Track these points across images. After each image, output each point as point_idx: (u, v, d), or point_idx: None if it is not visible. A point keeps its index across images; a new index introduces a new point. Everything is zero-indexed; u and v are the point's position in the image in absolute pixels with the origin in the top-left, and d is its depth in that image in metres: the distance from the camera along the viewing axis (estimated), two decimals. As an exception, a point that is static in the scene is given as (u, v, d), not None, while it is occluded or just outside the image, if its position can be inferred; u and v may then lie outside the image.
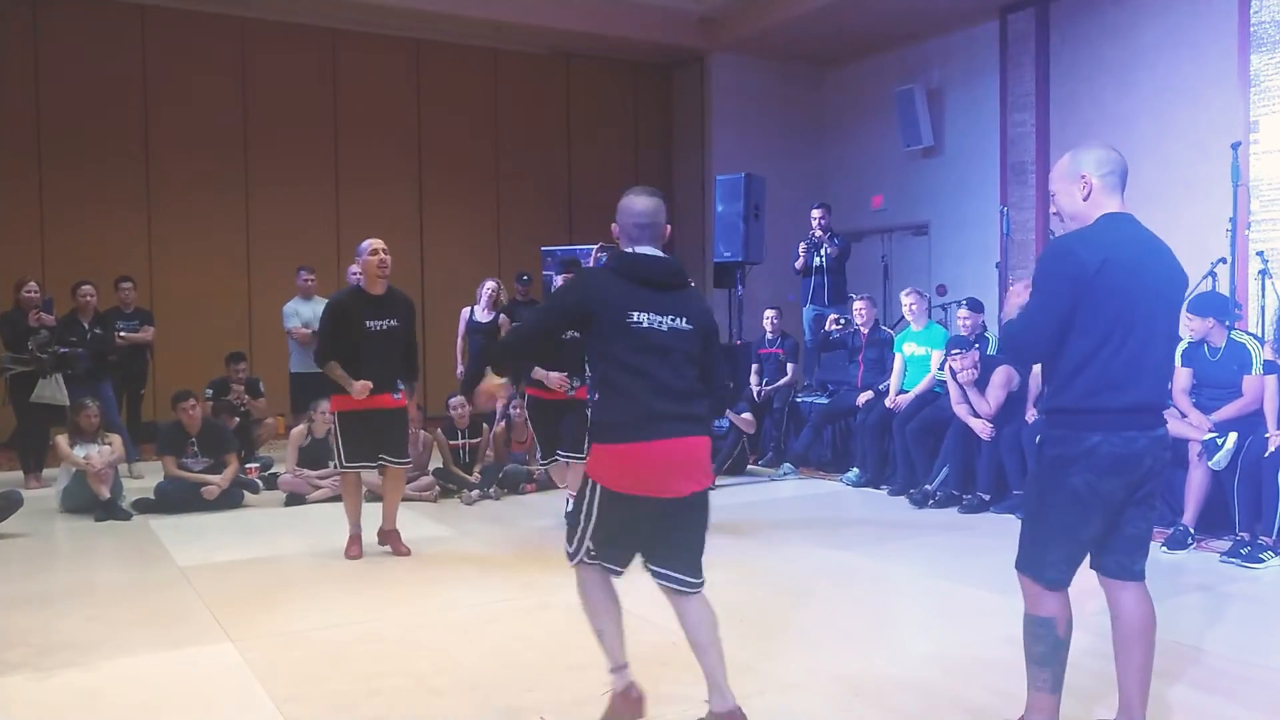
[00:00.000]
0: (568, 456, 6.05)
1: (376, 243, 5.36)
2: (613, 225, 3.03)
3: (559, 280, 6.25)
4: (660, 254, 2.97)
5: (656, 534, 2.92)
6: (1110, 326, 2.63)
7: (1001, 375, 6.55)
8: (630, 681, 3.02)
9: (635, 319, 2.84)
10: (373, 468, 5.48)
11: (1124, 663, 2.78)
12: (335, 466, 5.56)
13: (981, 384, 6.60)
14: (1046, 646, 2.72)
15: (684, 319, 2.91)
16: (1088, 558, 2.80)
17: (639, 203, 2.96)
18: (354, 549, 5.39)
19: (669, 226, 3.05)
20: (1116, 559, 2.77)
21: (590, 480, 2.91)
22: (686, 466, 2.86)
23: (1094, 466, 2.63)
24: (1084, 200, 2.75)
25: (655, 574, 2.95)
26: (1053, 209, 2.90)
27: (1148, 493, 2.75)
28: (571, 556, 2.96)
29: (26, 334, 7.53)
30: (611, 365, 2.86)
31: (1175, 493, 5.70)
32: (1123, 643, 2.79)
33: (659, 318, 2.87)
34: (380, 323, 5.32)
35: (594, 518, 2.89)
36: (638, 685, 3.03)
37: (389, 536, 5.53)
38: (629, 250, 2.96)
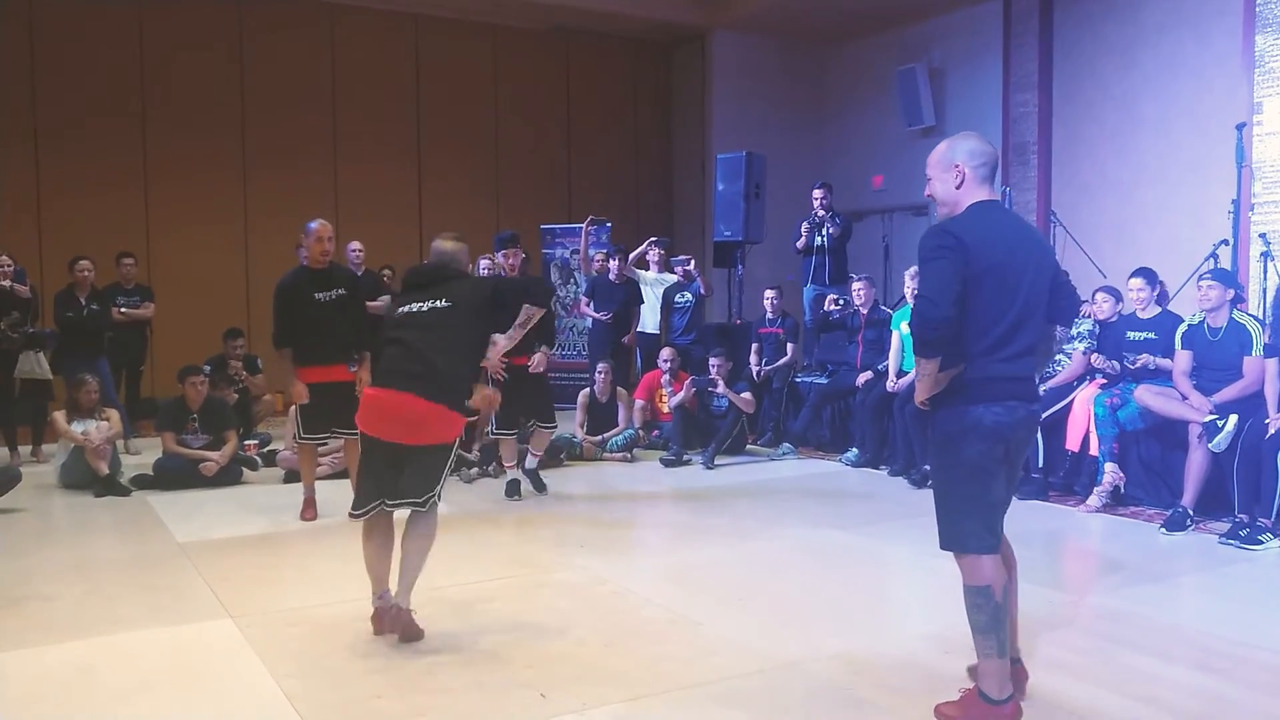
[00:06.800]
0: (545, 426, 6.39)
1: (325, 229, 5.66)
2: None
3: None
4: None
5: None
6: (988, 305, 2.78)
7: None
8: None
9: None
10: (325, 439, 5.90)
11: None
12: (293, 438, 5.98)
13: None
14: (987, 614, 2.85)
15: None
16: None
17: None
18: (309, 512, 5.75)
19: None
20: None
21: None
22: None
23: (984, 436, 2.80)
24: (956, 188, 2.92)
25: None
26: (927, 192, 3.05)
27: (1015, 460, 2.93)
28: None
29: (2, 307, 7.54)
30: None
31: (1175, 474, 5.70)
32: None
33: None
34: (327, 294, 5.67)
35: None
36: None
37: None
38: None
